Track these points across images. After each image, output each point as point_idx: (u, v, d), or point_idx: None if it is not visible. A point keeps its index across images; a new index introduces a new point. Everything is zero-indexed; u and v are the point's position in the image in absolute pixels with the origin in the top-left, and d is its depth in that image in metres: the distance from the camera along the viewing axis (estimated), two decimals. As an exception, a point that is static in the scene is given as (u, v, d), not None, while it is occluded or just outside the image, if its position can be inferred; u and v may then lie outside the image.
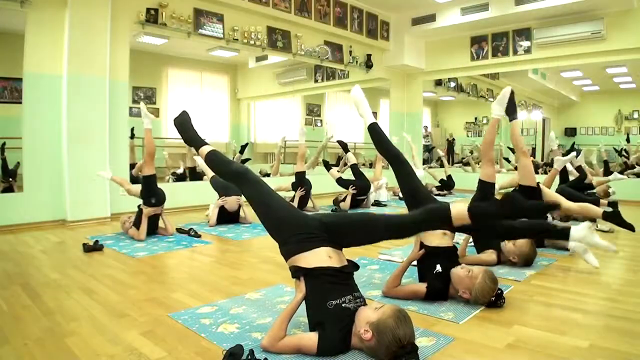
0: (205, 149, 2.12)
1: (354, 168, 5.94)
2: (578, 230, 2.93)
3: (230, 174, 2.08)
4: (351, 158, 6.06)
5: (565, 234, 3.00)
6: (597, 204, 5.32)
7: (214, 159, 2.10)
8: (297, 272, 1.71)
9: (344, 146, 6.22)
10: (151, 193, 3.84)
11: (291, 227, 1.81)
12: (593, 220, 4.02)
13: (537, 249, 3.15)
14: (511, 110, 3.37)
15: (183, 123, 2.22)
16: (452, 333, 1.82)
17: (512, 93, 3.31)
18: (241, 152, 8.07)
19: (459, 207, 1.65)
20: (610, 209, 3.27)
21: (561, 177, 5.05)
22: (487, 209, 1.72)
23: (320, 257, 1.71)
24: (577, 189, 4.90)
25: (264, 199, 1.94)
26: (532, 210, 1.75)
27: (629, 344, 1.72)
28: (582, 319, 2.00)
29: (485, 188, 2.99)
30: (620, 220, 3.17)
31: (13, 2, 4.18)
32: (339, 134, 11.81)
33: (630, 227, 3.21)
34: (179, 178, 7.01)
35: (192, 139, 2.20)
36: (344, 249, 1.82)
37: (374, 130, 2.54)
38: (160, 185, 4.01)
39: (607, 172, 6.74)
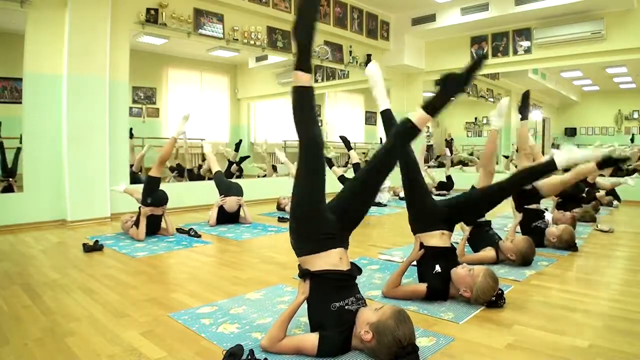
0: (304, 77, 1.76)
1: (356, 167, 5.87)
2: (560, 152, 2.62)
3: (308, 129, 1.79)
4: (354, 156, 6.03)
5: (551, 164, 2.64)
6: (595, 200, 5.34)
7: (305, 97, 1.79)
8: (306, 274, 1.69)
9: (347, 143, 6.17)
10: (149, 193, 3.85)
11: (317, 225, 1.74)
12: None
13: (537, 248, 3.15)
14: (524, 110, 3.41)
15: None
16: (452, 333, 1.82)
17: (527, 93, 3.37)
18: (236, 149, 8.07)
19: (416, 114, 1.84)
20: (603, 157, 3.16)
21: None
22: (436, 97, 1.85)
23: (332, 258, 1.70)
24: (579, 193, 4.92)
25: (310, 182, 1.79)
26: (470, 71, 1.88)
27: (629, 344, 1.72)
28: (582, 319, 2.00)
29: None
30: (614, 161, 3.09)
31: (13, 2, 4.18)
32: (339, 134, 11.82)
33: (625, 159, 3.18)
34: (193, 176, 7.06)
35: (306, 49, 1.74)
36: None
37: (386, 117, 2.52)
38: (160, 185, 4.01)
39: (615, 173, 6.68)
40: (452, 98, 1.86)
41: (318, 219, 1.75)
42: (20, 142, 5.34)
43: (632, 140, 11.32)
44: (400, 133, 1.86)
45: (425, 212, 2.37)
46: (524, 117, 3.57)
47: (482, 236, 3.06)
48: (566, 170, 3.31)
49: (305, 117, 1.80)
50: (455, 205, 2.45)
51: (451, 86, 1.84)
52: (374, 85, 2.54)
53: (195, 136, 7.72)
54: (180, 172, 7.17)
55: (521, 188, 3.01)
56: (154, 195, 3.86)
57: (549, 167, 2.53)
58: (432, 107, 1.83)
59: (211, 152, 5.01)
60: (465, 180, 7.75)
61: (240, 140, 8.38)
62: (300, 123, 1.79)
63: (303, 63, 1.74)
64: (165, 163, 4.04)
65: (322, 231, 1.73)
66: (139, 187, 4.09)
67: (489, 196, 2.54)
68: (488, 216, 3.01)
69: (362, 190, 1.86)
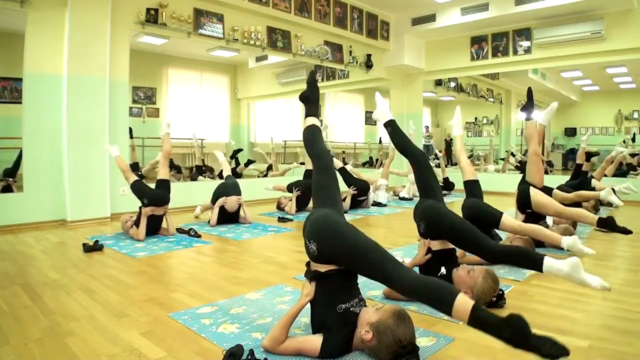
0: (309, 121, 2.23)
1: (342, 173, 5.67)
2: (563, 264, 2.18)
3: (315, 152, 2.11)
4: (336, 163, 5.98)
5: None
6: (598, 199, 5.32)
7: (311, 132, 2.19)
8: (315, 276, 1.68)
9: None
10: (142, 194, 3.89)
11: None
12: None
13: (537, 249, 3.15)
14: (527, 109, 3.41)
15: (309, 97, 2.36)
16: (452, 333, 1.82)
17: (530, 90, 3.38)
18: (232, 157, 8.07)
19: (464, 303, 1.41)
20: (604, 216, 3.25)
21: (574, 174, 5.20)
22: (491, 321, 1.42)
23: None
24: (576, 188, 4.91)
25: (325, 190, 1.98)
26: (531, 348, 1.37)
27: (629, 344, 1.72)
28: (582, 319, 2.00)
29: (471, 187, 3.13)
30: (615, 226, 3.15)
31: (13, 2, 4.18)
32: (339, 134, 11.85)
33: (626, 231, 3.18)
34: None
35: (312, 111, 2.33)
36: None
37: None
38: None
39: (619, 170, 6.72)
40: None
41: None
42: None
43: (633, 139, 11.29)
44: (435, 297, 1.49)
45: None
46: (528, 117, 3.56)
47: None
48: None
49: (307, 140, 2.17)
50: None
51: (510, 328, 1.41)
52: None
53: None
54: (178, 170, 7.19)
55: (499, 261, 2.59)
56: (148, 195, 3.88)
57: (536, 267, 2.04)
58: (478, 324, 1.43)
59: (225, 160, 5.19)
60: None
61: (240, 149, 8.41)
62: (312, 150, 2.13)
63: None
64: (168, 159, 4.12)
65: None
66: (129, 169, 4.18)
67: (473, 243, 2.32)
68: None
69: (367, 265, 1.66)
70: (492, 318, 1.40)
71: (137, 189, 3.93)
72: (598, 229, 4.07)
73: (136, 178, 4.00)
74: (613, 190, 4.26)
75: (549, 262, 1.93)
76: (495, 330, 1.39)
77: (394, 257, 1.63)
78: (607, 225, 3.14)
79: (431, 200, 2.41)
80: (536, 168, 3.48)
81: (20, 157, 5.41)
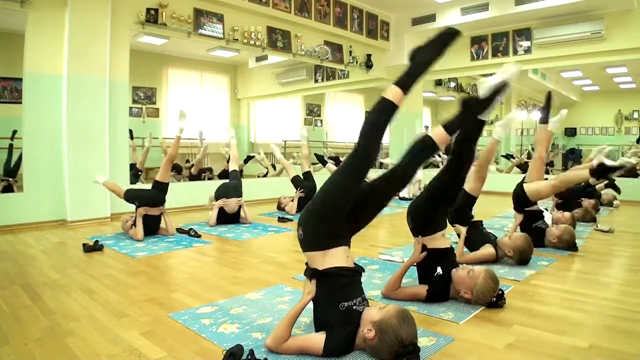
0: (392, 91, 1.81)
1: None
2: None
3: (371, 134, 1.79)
4: (331, 169, 6.01)
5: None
6: (598, 198, 5.34)
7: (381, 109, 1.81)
8: (314, 274, 1.68)
9: (320, 158, 6.15)
10: (133, 198, 3.94)
11: (335, 225, 1.74)
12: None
13: (537, 248, 3.15)
14: (545, 112, 3.42)
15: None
16: (452, 333, 1.82)
17: (550, 94, 3.40)
18: (245, 162, 8.06)
19: (436, 131, 1.87)
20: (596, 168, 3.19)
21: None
22: (455, 120, 1.91)
23: (341, 256, 1.70)
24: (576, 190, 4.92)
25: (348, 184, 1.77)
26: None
27: (629, 344, 1.72)
28: (582, 319, 2.00)
29: (466, 198, 3.10)
30: (607, 167, 3.08)
31: (13, 2, 4.17)
32: (339, 135, 11.85)
33: (620, 167, 3.15)
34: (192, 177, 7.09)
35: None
36: None
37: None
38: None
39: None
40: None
41: (339, 220, 1.74)
42: (11, 138, 5.40)
43: (638, 141, 11.26)
44: (418, 150, 1.89)
45: (433, 217, 2.34)
46: (544, 120, 3.57)
47: (478, 236, 3.07)
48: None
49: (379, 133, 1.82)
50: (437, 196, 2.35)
51: (469, 105, 1.96)
52: None
53: (194, 136, 7.72)
54: (178, 170, 7.19)
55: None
56: (138, 197, 3.92)
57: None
58: (452, 128, 1.89)
59: (236, 151, 5.20)
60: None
61: (252, 157, 8.26)
62: (368, 134, 1.77)
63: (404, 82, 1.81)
64: (172, 163, 4.09)
65: (335, 230, 1.73)
66: (118, 185, 4.20)
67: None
68: (485, 216, 3.01)
69: (375, 199, 1.88)
70: (454, 116, 1.93)
71: (129, 196, 3.99)
72: (601, 231, 4.08)
73: (125, 189, 4.07)
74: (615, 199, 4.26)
75: (481, 82, 2.09)
76: (459, 116, 1.93)
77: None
78: (601, 173, 3.09)
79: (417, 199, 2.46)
80: (537, 173, 3.51)
81: (20, 156, 5.43)
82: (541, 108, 3.58)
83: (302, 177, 5.55)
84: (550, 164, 9.75)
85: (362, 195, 1.80)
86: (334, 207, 1.72)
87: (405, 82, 1.79)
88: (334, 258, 1.69)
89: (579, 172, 3.38)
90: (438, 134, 1.87)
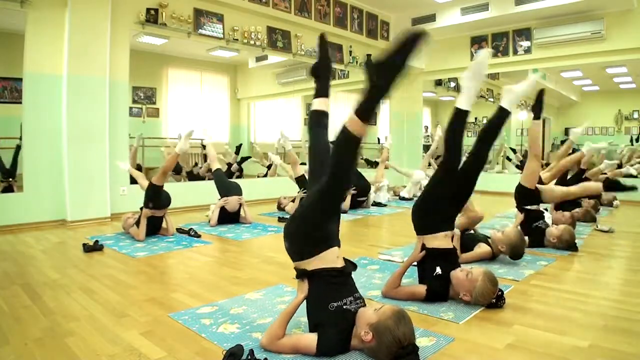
0: (315, 103, 1.99)
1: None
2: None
3: (310, 146, 1.96)
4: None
5: None
6: (598, 198, 5.34)
7: (311, 120, 1.99)
8: (303, 274, 1.70)
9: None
10: (150, 198, 3.87)
11: (319, 233, 1.73)
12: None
13: (537, 248, 3.16)
14: (537, 108, 3.42)
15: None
16: (452, 333, 1.82)
17: (542, 91, 3.39)
18: (237, 152, 8.11)
19: (349, 119, 1.56)
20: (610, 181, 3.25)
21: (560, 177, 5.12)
22: (365, 99, 1.56)
23: (331, 257, 1.71)
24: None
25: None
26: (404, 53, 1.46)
27: (629, 344, 1.72)
28: (582, 319, 2.00)
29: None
30: (621, 185, 3.12)
31: (13, 2, 4.18)
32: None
33: (631, 188, 3.16)
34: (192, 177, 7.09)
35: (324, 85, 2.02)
36: (342, 248, 1.81)
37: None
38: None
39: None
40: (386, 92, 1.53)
41: (319, 231, 1.74)
42: (20, 137, 5.36)
43: (637, 140, 11.26)
44: (340, 144, 1.57)
45: (435, 215, 2.34)
46: (537, 116, 3.57)
47: (472, 236, 3.08)
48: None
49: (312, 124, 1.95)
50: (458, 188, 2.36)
51: (384, 77, 1.50)
52: None
53: (194, 136, 7.70)
54: (177, 170, 7.19)
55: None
56: (156, 201, 3.87)
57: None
58: (364, 110, 1.54)
59: (213, 150, 5.12)
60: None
61: (241, 144, 8.44)
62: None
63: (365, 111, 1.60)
64: (167, 174, 4.06)
65: (318, 240, 1.73)
66: (142, 175, 4.21)
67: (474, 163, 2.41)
68: (485, 216, 3.01)
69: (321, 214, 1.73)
70: (364, 93, 1.55)
71: (153, 191, 3.83)
72: (601, 230, 4.08)
73: (150, 182, 3.90)
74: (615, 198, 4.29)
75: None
76: (369, 87, 1.54)
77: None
78: (613, 186, 3.12)
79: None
80: (533, 172, 3.51)
81: (16, 155, 5.42)
82: (533, 105, 3.58)
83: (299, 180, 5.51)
84: (548, 164, 9.75)
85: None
86: (314, 225, 1.71)
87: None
88: (322, 261, 1.70)
89: (591, 185, 3.38)
90: (352, 120, 1.55)
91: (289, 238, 1.77)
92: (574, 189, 3.49)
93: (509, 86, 2.49)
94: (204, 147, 7.21)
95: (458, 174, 2.33)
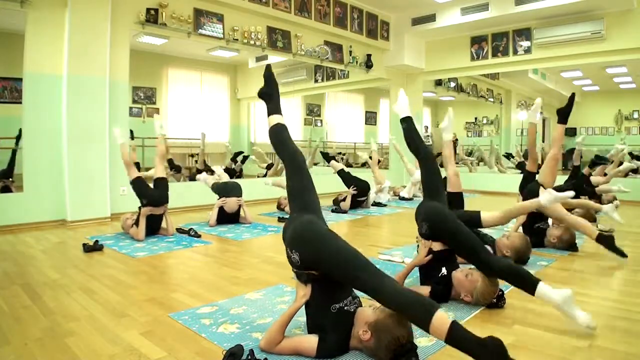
0: (273, 119, 2.08)
1: (342, 174, 5.86)
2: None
3: (286, 153, 2.01)
4: (335, 165, 6.01)
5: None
6: (598, 199, 5.34)
7: (277, 131, 2.05)
8: (308, 277, 1.68)
9: (325, 155, 6.17)
10: (141, 193, 3.88)
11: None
12: (593, 220, 4.08)
13: (537, 248, 3.15)
14: (565, 113, 3.46)
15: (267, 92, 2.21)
16: (452, 333, 1.82)
17: (573, 95, 3.52)
18: (233, 159, 8.12)
19: (442, 320, 1.40)
20: (605, 232, 3.25)
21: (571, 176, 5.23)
22: (467, 344, 1.39)
23: None
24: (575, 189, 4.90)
25: (304, 193, 1.91)
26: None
27: (629, 344, 1.72)
28: (582, 319, 1.99)
29: (452, 198, 2.97)
30: (612, 246, 3.12)
31: (13, 2, 4.18)
32: (339, 135, 11.85)
33: (622, 254, 3.12)
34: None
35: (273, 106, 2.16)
36: None
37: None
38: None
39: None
40: None
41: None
42: (16, 144, 5.37)
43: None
44: (415, 311, 1.49)
45: None
46: (562, 121, 3.59)
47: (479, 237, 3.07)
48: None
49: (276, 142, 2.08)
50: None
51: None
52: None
53: (194, 136, 7.73)
54: (177, 170, 7.20)
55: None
56: (147, 195, 3.87)
57: (528, 289, 2.00)
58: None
59: (222, 172, 5.27)
60: (466, 180, 7.74)
61: (241, 152, 8.48)
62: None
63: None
64: (164, 159, 4.15)
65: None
66: (132, 163, 4.06)
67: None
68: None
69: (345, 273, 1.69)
70: (469, 338, 1.38)
71: (138, 187, 3.89)
72: (601, 231, 4.07)
73: (138, 175, 3.96)
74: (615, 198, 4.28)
75: (543, 288, 1.89)
76: (472, 351, 1.38)
77: (375, 267, 1.60)
78: (606, 243, 3.11)
79: (435, 202, 2.41)
80: (551, 171, 3.51)
81: (13, 156, 5.43)
82: (562, 108, 3.60)
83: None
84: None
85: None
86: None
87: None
88: None
89: (588, 228, 3.32)
90: (441, 324, 1.40)
91: (307, 256, 1.68)
92: (569, 219, 3.43)
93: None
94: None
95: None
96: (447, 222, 2.28)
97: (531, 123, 3.95)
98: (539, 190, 3.47)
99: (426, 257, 2.25)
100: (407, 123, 2.65)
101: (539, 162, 5.42)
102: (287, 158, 1.99)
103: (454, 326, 1.39)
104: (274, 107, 2.11)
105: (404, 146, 2.85)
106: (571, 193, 2.41)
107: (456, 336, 1.38)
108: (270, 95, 2.15)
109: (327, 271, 1.63)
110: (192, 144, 8.29)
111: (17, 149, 5.51)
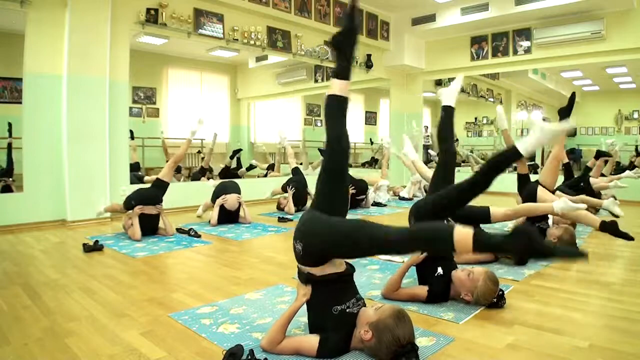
0: (334, 85, 1.82)
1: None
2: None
3: (331, 135, 1.82)
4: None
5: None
6: (598, 196, 5.34)
7: (331, 105, 1.84)
8: (309, 280, 1.66)
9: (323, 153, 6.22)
10: (129, 197, 3.95)
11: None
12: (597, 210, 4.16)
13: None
14: (566, 113, 3.48)
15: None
16: (452, 333, 1.82)
17: (573, 95, 3.62)
18: (231, 157, 8.15)
19: (463, 232, 1.37)
20: (607, 220, 3.25)
21: (565, 174, 5.18)
22: (494, 241, 1.38)
23: (339, 260, 1.68)
24: (576, 189, 4.92)
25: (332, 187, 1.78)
26: (542, 249, 1.36)
27: (629, 344, 1.72)
28: (582, 319, 2.00)
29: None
30: (617, 231, 3.13)
31: (13, 2, 4.17)
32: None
33: (628, 237, 3.14)
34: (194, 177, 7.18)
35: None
36: None
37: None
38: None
39: (618, 172, 6.72)
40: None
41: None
42: (9, 136, 5.39)
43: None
44: (433, 237, 1.49)
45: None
46: (564, 119, 3.62)
47: None
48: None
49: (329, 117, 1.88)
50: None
51: (518, 244, 1.38)
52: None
53: (196, 136, 7.72)
54: (177, 170, 7.20)
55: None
56: (135, 196, 3.92)
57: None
58: (482, 246, 1.41)
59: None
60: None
61: (240, 149, 8.52)
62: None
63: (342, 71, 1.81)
64: (177, 164, 4.28)
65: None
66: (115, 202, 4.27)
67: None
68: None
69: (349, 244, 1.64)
70: (495, 239, 1.37)
71: (126, 202, 3.96)
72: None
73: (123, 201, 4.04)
74: (615, 198, 4.30)
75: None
76: (500, 247, 1.40)
77: (380, 224, 1.54)
78: (610, 229, 3.13)
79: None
80: (552, 171, 3.51)
81: (10, 151, 5.45)
82: (563, 107, 3.62)
83: (291, 174, 5.74)
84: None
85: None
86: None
87: (343, 70, 1.80)
88: (329, 267, 1.66)
89: (590, 218, 3.33)
90: (464, 237, 1.38)
91: (310, 244, 1.63)
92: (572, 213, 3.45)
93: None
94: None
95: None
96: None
97: (504, 130, 4.31)
98: (537, 187, 3.50)
99: (420, 256, 2.25)
100: (447, 112, 2.62)
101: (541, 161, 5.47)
102: (330, 141, 1.81)
103: (477, 234, 1.35)
104: (341, 66, 1.80)
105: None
106: (583, 205, 2.49)
107: (481, 241, 1.35)
108: (341, 44, 1.77)
109: (330, 250, 1.60)
110: (192, 144, 8.28)
111: (11, 140, 5.53)
